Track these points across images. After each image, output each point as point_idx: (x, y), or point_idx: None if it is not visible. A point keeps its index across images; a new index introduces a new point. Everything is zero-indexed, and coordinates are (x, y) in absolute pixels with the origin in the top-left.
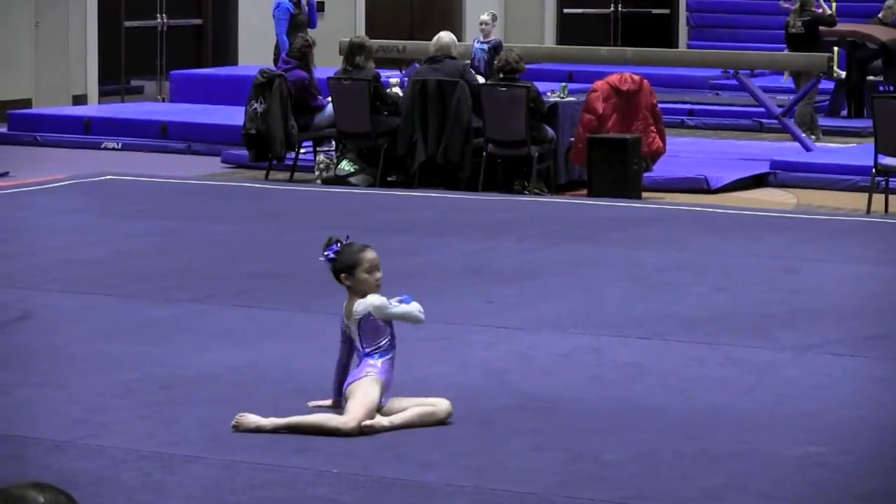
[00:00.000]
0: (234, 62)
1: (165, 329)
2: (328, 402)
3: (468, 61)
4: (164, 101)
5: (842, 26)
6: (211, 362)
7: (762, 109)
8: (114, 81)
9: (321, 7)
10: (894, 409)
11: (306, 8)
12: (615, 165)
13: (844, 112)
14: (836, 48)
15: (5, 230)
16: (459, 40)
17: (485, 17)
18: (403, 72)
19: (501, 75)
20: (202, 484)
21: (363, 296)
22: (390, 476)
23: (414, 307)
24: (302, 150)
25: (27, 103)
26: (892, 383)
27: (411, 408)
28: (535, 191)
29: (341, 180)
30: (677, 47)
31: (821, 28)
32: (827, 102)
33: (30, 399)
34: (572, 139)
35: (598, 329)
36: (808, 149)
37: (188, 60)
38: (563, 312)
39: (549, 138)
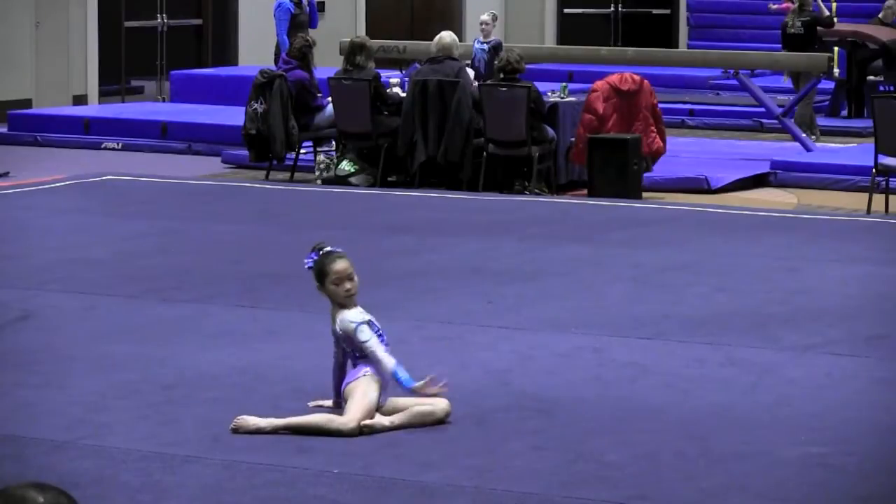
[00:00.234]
0: (234, 62)
1: (166, 329)
2: (328, 402)
3: (468, 62)
4: (164, 101)
5: (842, 26)
6: (211, 362)
7: (762, 109)
8: (114, 81)
9: (321, 7)
10: None
11: (307, 8)
12: (615, 165)
13: (845, 112)
14: (836, 48)
15: (5, 230)
16: (460, 40)
17: (485, 17)
18: (404, 72)
19: (502, 75)
20: (202, 484)
21: (341, 306)
22: (390, 476)
23: (390, 364)
24: (302, 151)
25: (27, 103)
26: (893, 384)
27: (411, 407)
28: (536, 191)
29: (342, 180)
30: (677, 47)
31: (819, 28)
32: (827, 102)
33: (30, 399)
34: (573, 139)
35: (599, 329)
36: (808, 149)
37: (188, 60)
38: (564, 312)
39: (550, 138)
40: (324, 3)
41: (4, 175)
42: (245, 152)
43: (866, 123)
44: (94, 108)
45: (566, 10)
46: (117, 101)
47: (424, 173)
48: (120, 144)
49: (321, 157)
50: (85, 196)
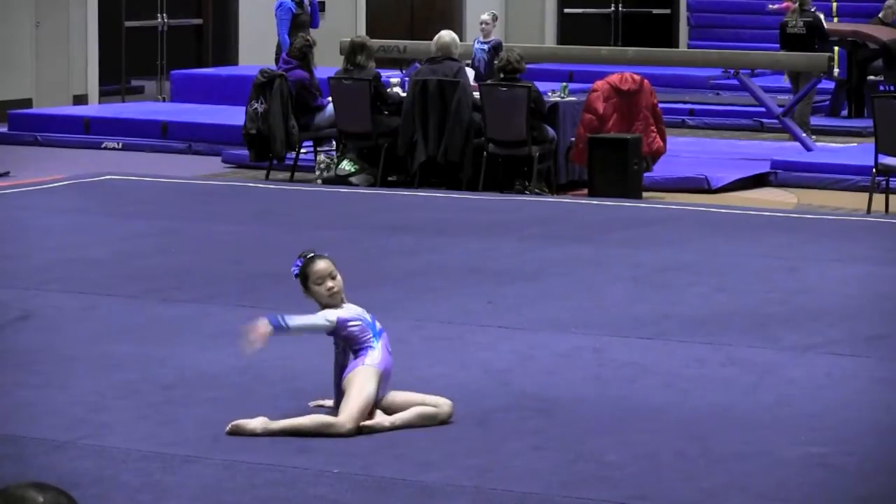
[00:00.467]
0: (234, 62)
1: (166, 329)
2: (329, 401)
3: (468, 62)
4: (164, 100)
5: (842, 26)
6: (211, 362)
7: (763, 109)
8: (114, 81)
9: (321, 7)
10: None
11: (309, 8)
12: (615, 165)
13: (845, 112)
14: (836, 48)
15: (6, 230)
16: (460, 40)
17: (485, 16)
18: (404, 72)
19: (502, 75)
20: (202, 484)
21: (326, 306)
22: (390, 476)
23: (319, 317)
24: (302, 150)
25: (28, 103)
26: (893, 384)
27: (413, 408)
28: (536, 191)
29: (342, 180)
30: (678, 47)
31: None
32: (827, 102)
33: (30, 399)
34: (573, 139)
35: (599, 329)
36: (808, 149)
37: (189, 60)
38: (564, 312)
39: (550, 138)
40: (324, 2)
41: (5, 175)
42: (245, 152)
43: (866, 123)
44: (94, 108)
45: (566, 10)
46: (117, 101)
47: (424, 173)
48: (120, 144)
49: (321, 157)
50: (85, 196)
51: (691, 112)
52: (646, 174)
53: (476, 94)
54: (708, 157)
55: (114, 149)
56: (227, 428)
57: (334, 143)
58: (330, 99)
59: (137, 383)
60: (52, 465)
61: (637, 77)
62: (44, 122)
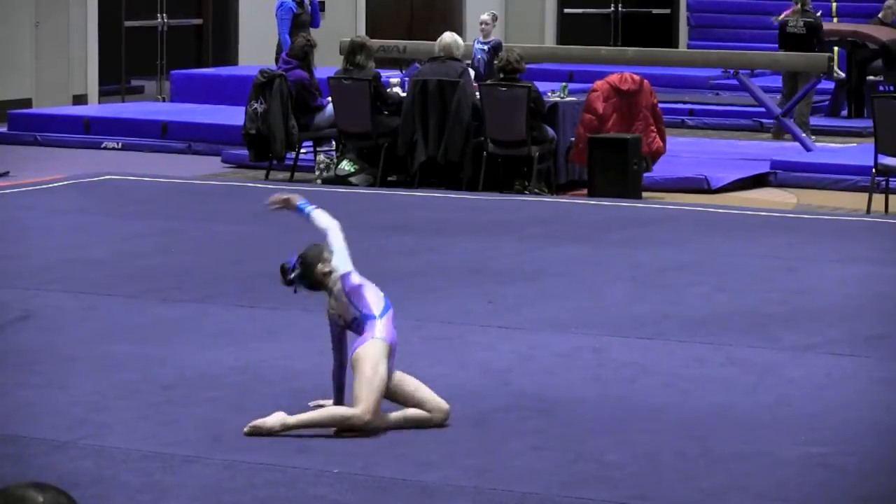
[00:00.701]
0: (234, 62)
1: (166, 329)
2: (329, 402)
3: (468, 62)
4: (164, 100)
5: (842, 26)
6: (211, 362)
7: (762, 109)
8: (114, 81)
9: (322, 7)
10: None
11: (309, 8)
12: (615, 165)
13: (844, 112)
14: (835, 48)
15: (6, 230)
16: (460, 40)
17: (485, 16)
18: (404, 72)
19: (502, 75)
20: (202, 484)
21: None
22: (390, 476)
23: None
24: (302, 150)
25: (27, 103)
26: (893, 384)
27: (407, 410)
28: (536, 191)
29: (342, 180)
30: (677, 47)
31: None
32: (827, 102)
33: (31, 399)
34: (573, 139)
35: (599, 329)
36: (808, 149)
37: (188, 60)
38: (564, 312)
39: (550, 138)
40: (324, 2)
41: (4, 175)
42: (245, 152)
43: (866, 123)
44: (94, 108)
45: (566, 10)
46: (117, 101)
47: (424, 173)
48: (120, 144)
49: (321, 157)
50: (85, 196)
51: (691, 112)
52: (645, 174)
53: (477, 95)
54: (707, 158)
55: (113, 149)
56: (246, 429)
57: (334, 143)
58: (329, 99)
59: (137, 383)
60: (52, 465)
61: (637, 77)
62: (43, 122)
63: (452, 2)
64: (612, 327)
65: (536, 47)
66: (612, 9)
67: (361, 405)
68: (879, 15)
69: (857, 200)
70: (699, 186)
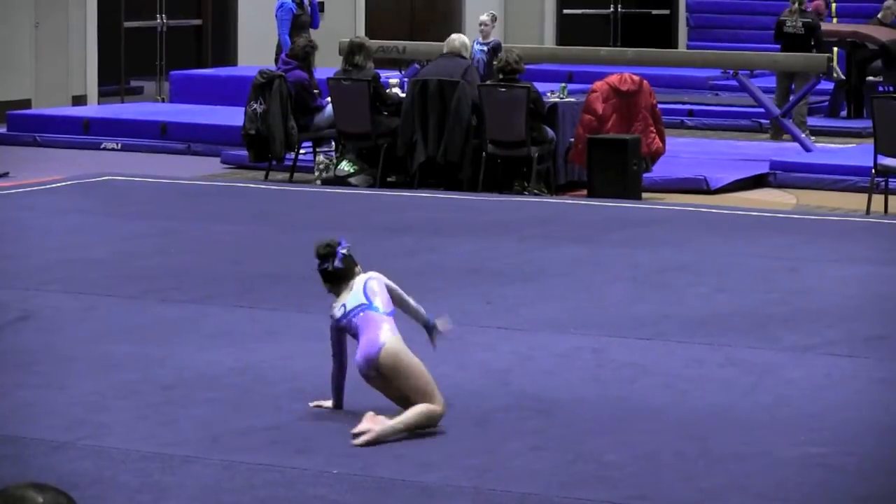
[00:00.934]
0: (233, 63)
1: (165, 330)
2: (328, 402)
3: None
4: (163, 101)
5: (841, 26)
6: (211, 363)
7: (761, 110)
8: (113, 82)
9: (321, 7)
10: (895, 410)
11: (309, 9)
12: (615, 166)
13: (844, 113)
14: (835, 48)
15: (5, 231)
16: None
17: (484, 17)
18: (403, 72)
19: (501, 76)
20: (202, 484)
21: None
22: (390, 476)
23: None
24: (302, 151)
25: (27, 104)
26: (893, 384)
27: (416, 408)
28: (535, 191)
29: (341, 181)
30: (677, 48)
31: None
32: (826, 103)
33: (30, 399)
34: (572, 140)
35: (598, 329)
36: (807, 149)
37: (188, 61)
38: (563, 313)
39: (549, 139)
40: (323, 3)
41: (4, 175)
42: (244, 153)
43: (865, 124)
44: (93, 109)
45: (565, 11)
46: (117, 102)
47: (424, 173)
48: (119, 145)
49: (320, 158)
50: (84, 196)
51: (690, 113)
52: (645, 175)
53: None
54: (707, 158)
55: (113, 149)
56: (359, 441)
57: (333, 143)
58: (329, 99)
59: (137, 384)
60: (52, 466)
61: (636, 78)
62: (43, 122)
63: (452, 2)
64: (612, 328)
65: (536, 48)
66: (612, 9)
67: (438, 399)
68: (879, 15)
69: (857, 201)
70: (698, 187)
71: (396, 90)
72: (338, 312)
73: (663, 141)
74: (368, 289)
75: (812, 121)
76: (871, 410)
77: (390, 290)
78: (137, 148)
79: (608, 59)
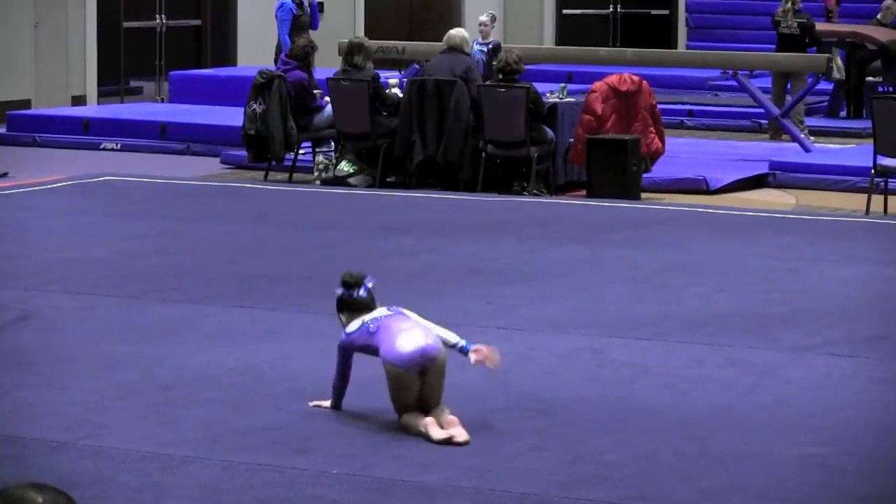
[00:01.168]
0: (233, 63)
1: (165, 330)
2: (327, 402)
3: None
4: (163, 101)
5: (841, 27)
6: (210, 363)
7: (761, 110)
8: (113, 82)
9: (321, 8)
10: (895, 410)
11: (308, 9)
12: (614, 166)
13: (843, 113)
14: (835, 49)
15: (5, 231)
16: None
17: (484, 17)
18: (403, 73)
19: (501, 76)
20: (201, 484)
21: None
22: (389, 477)
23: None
24: (301, 151)
25: (26, 104)
26: (892, 384)
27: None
28: (535, 191)
29: (340, 181)
30: (676, 48)
31: (817, 28)
32: (826, 103)
33: (30, 400)
34: (571, 140)
35: (598, 330)
36: (807, 150)
37: (187, 61)
38: (563, 313)
39: (549, 139)
40: (323, 3)
41: (4, 176)
42: (244, 153)
43: (865, 124)
44: (92, 109)
45: (565, 11)
46: (116, 102)
47: (423, 174)
48: (119, 145)
49: (320, 158)
50: (84, 196)
51: (690, 113)
52: (644, 175)
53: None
54: (707, 158)
55: (112, 149)
56: (461, 440)
57: (333, 143)
58: (328, 100)
59: (136, 384)
60: (52, 466)
61: (636, 78)
62: (42, 122)
63: (451, 3)
64: (612, 328)
65: (535, 48)
66: (611, 9)
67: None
68: (878, 16)
69: (856, 201)
70: (698, 187)
71: (396, 90)
72: (352, 327)
73: (663, 141)
74: (393, 308)
75: (812, 121)
76: (871, 410)
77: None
78: (137, 148)
79: (607, 59)
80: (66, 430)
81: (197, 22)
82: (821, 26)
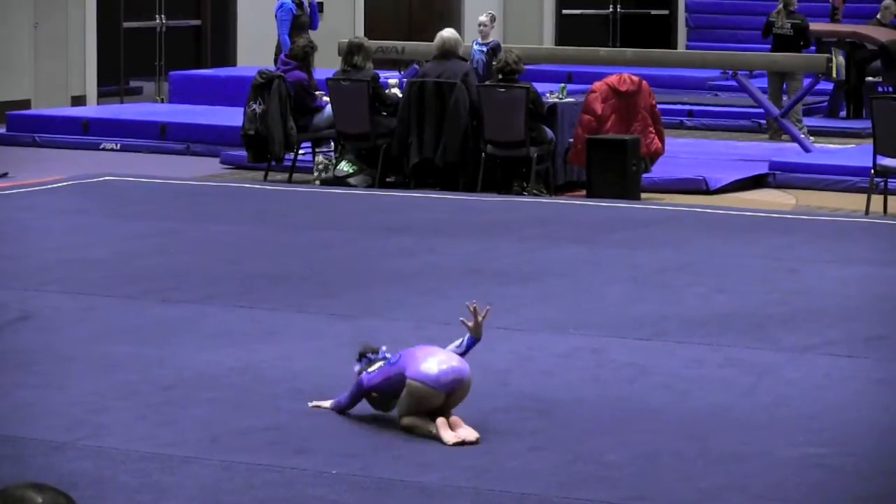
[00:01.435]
0: (233, 63)
1: (165, 330)
2: (327, 402)
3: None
4: (162, 101)
5: (841, 27)
6: (210, 363)
7: (761, 110)
8: (113, 82)
9: (320, 8)
10: (895, 410)
11: (308, 9)
12: (614, 166)
13: (843, 113)
14: (835, 49)
15: (5, 231)
16: None
17: (483, 17)
18: (402, 73)
19: (501, 76)
20: (201, 484)
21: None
22: (389, 477)
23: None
24: (301, 151)
25: (26, 104)
26: (892, 385)
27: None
28: (534, 192)
29: (340, 181)
30: (676, 48)
31: (816, 28)
32: (825, 103)
33: (29, 400)
34: (571, 140)
35: (598, 330)
36: (806, 150)
37: (187, 61)
38: (563, 313)
39: (549, 139)
40: (322, 3)
41: (3, 176)
42: (244, 153)
43: (865, 124)
44: (92, 109)
45: (565, 11)
46: (116, 102)
47: (422, 174)
48: (118, 145)
49: (320, 158)
50: (84, 197)
51: (689, 113)
52: (644, 175)
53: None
54: (706, 158)
55: (112, 150)
56: (451, 441)
57: (332, 144)
58: (328, 100)
59: (136, 384)
60: (51, 466)
61: (635, 78)
62: (42, 122)
63: (451, 3)
64: (611, 328)
65: (535, 48)
66: (611, 10)
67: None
68: (878, 16)
69: (856, 201)
70: (698, 187)
71: (395, 91)
72: (373, 367)
73: (662, 141)
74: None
75: (811, 121)
76: (870, 411)
77: None
78: (137, 148)
79: (607, 59)
80: (65, 431)
81: (197, 22)
82: (821, 26)
